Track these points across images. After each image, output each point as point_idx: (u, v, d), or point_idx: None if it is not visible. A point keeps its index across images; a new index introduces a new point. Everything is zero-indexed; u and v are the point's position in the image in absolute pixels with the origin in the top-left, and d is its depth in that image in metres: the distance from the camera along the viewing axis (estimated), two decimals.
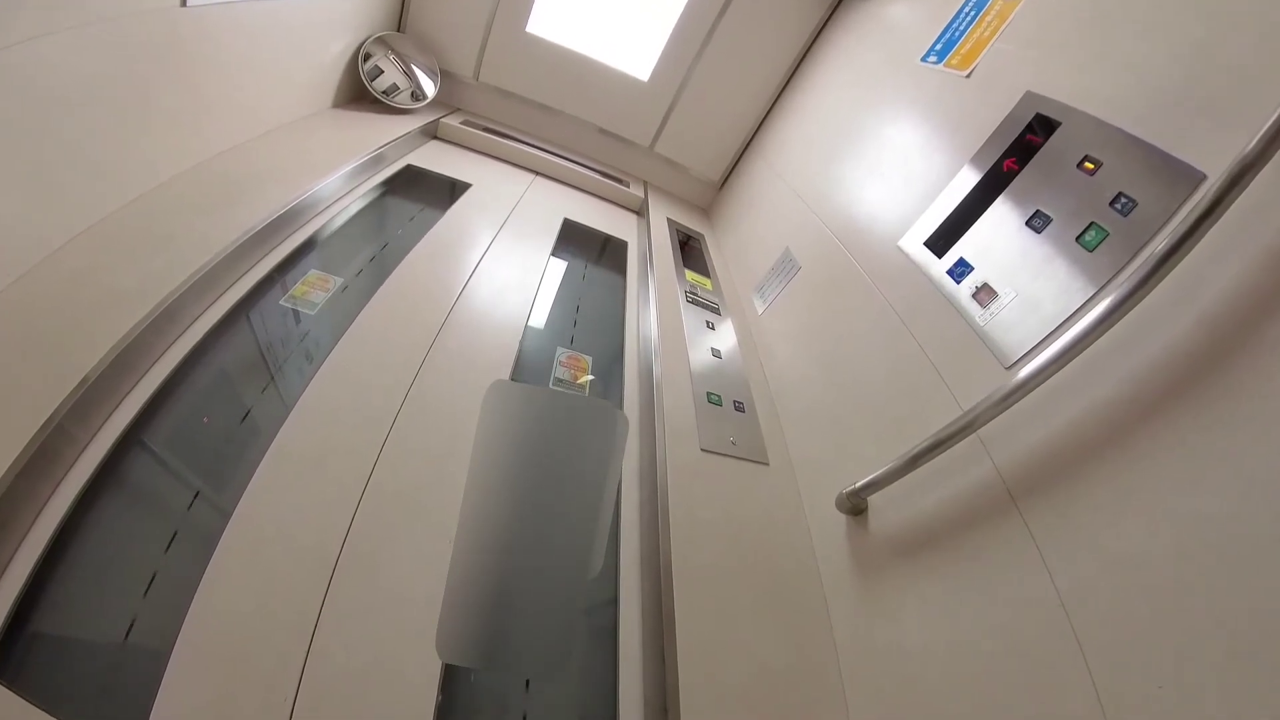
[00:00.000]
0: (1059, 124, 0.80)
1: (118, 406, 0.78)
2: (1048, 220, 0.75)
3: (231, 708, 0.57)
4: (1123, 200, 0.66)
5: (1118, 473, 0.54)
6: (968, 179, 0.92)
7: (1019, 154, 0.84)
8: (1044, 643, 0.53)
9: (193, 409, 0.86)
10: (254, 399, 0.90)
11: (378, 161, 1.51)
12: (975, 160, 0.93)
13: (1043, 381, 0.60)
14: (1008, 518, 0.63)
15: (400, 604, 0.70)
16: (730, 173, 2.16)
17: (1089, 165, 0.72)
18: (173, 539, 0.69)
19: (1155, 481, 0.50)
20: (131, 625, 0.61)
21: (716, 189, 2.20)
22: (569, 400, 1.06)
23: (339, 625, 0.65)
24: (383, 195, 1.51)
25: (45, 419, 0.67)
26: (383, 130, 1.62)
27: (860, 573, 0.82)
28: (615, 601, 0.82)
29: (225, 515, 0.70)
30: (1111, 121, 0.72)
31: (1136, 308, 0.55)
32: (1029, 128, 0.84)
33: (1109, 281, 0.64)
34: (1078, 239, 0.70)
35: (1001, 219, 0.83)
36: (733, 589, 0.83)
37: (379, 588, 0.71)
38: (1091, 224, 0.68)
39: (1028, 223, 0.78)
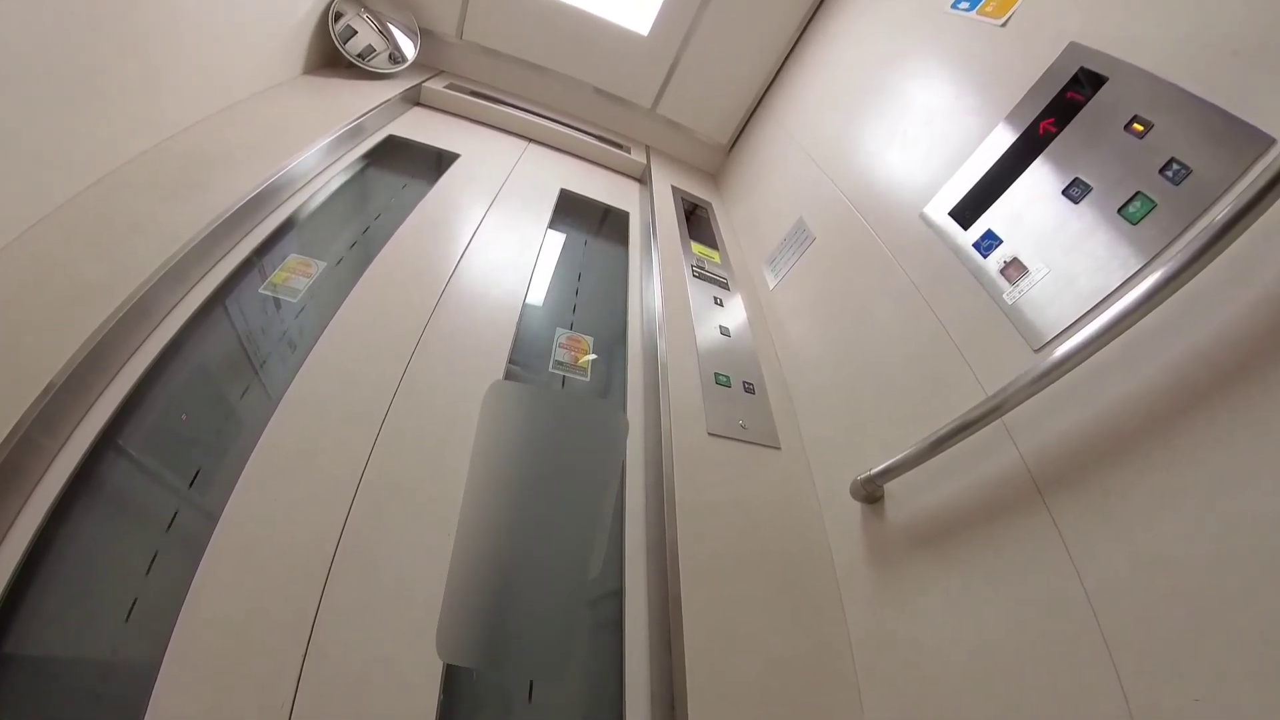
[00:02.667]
0: (1105, 79, 0.74)
1: (89, 411, 0.76)
2: (1087, 189, 0.71)
3: (227, 716, 0.57)
4: (1175, 167, 0.62)
5: (1155, 467, 0.52)
6: (1000, 142, 0.88)
7: (1058, 114, 0.79)
8: (1070, 645, 0.53)
9: (171, 409, 0.84)
10: (237, 395, 0.88)
11: (357, 133, 1.45)
12: (1009, 120, 0.88)
13: (1075, 366, 0.57)
14: (1033, 510, 0.62)
15: (400, 601, 0.71)
16: (739, 135, 2.08)
17: (1138, 127, 0.68)
18: (158, 546, 0.69)
19: (1198, 479, 0.48)
20: (117, 639, 0.61)
21: (725, 153, 2.13)
22: (568, 401, 1.06)
23: (337, 625, 0.66)
24: (364, 170, 1.46)
25: (9, 430, 0.65)
26: (360, 98, 1.55)
27: (876, 563, 0.81)
28: (620, 592, 0.82)
29: (213, 518, 0.69)
30: (1166, 77, 0.67)
31: (1185, 287, 0.51)
32: (1071, 83, 0.79)
33: (1154, 258, 0.61)
34: (1120, 210, 0.66)
35: (1035, 187, 0.79)
36: (742, 579, 0.83)
37: (377, 585, 0.71)
38: (1137, 193, 0.65)
39: (1064, 191, 0.74)
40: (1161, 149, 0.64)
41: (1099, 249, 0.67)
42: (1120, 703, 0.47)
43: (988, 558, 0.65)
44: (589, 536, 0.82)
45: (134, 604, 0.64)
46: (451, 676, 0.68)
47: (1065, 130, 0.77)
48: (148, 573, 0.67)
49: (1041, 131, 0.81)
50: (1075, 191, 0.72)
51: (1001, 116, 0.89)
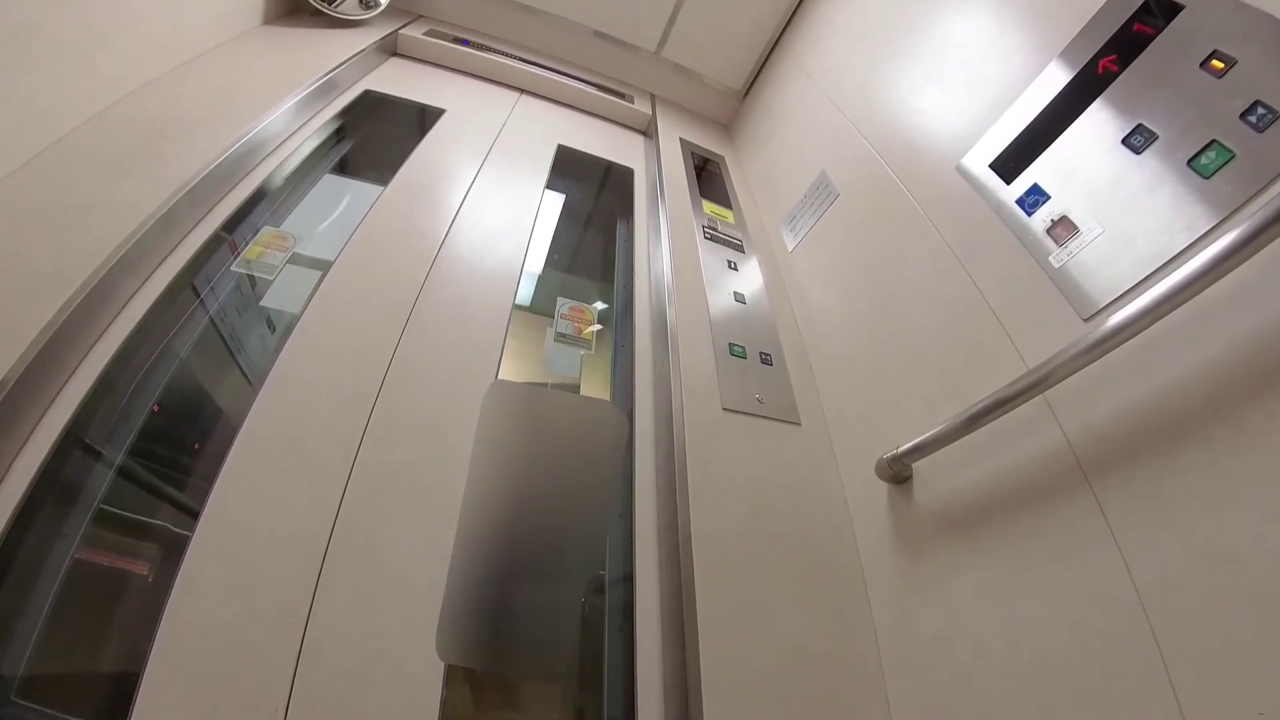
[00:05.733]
0: (1181, 8, 0.68)
1: (49, 408, 0.74)
2: (1151, 137, 0.66)
3: None
4: (1260, 111, 0.57)
5: (1220, 454, 0.50)
6: (1051, 83, 0.82)
7: (1122, 49, 0.73)
8: (1116, 645, 0.52)
9: (141, 400, 0.83)
10: (214, 381, 0.88)
11: (329, 89, 1.38)
12: (1063, 58, 0.82)
13: (1130, 337, 0.54)
14: (1077, 495, 0.60)
15: (399, 591, 0.71)
16: (754, 80, 1.98)
17: (1216, 64, 0.62)
18: (137, 546, 0.68)
19: (1270, 468, 0.46)
20: (95, 648, 0.62)
21: (739, 99, 2.04)
22: (567, 400, 1.05)
23: (333, 620, 0.66)
24: (340, 130, 1.41)
25: None
26: (331, 49, 1.46)
27: (903, 549, 0.80)
28: (631, 579, 0.83)
29: (194, 513, 0.69)
30: (1255, 3, 0.61)
31: (1264, 251, 0.48)
32: (1140, 12, 0.73)
33: (1229, 216, 0.57)
34: (1190, 161, 0.61)
35: (1090, 135, 0.74)
36: (759, 564, 0.83)
37: (375, 576, 0.71)
38: (1212, 142, 0.60)
39: (1125, 140, 0.69)
40: (1244, 89, 0.59)
41: (1163, 206, 0.63)
42: (1173, 711, 0.46)
43: (1025, 546, 0.64)
44: (595, 529, 0.82)
45: (113, 609, 0.64)
46: (455, 670, 0.68)
47: (1129, 69, 0.72)
48: (127, 575, 0.67)
49: (1101, 70, 0.75)
50: (1137, 140, 0.68)
51: (1054, 54, 0.83)
